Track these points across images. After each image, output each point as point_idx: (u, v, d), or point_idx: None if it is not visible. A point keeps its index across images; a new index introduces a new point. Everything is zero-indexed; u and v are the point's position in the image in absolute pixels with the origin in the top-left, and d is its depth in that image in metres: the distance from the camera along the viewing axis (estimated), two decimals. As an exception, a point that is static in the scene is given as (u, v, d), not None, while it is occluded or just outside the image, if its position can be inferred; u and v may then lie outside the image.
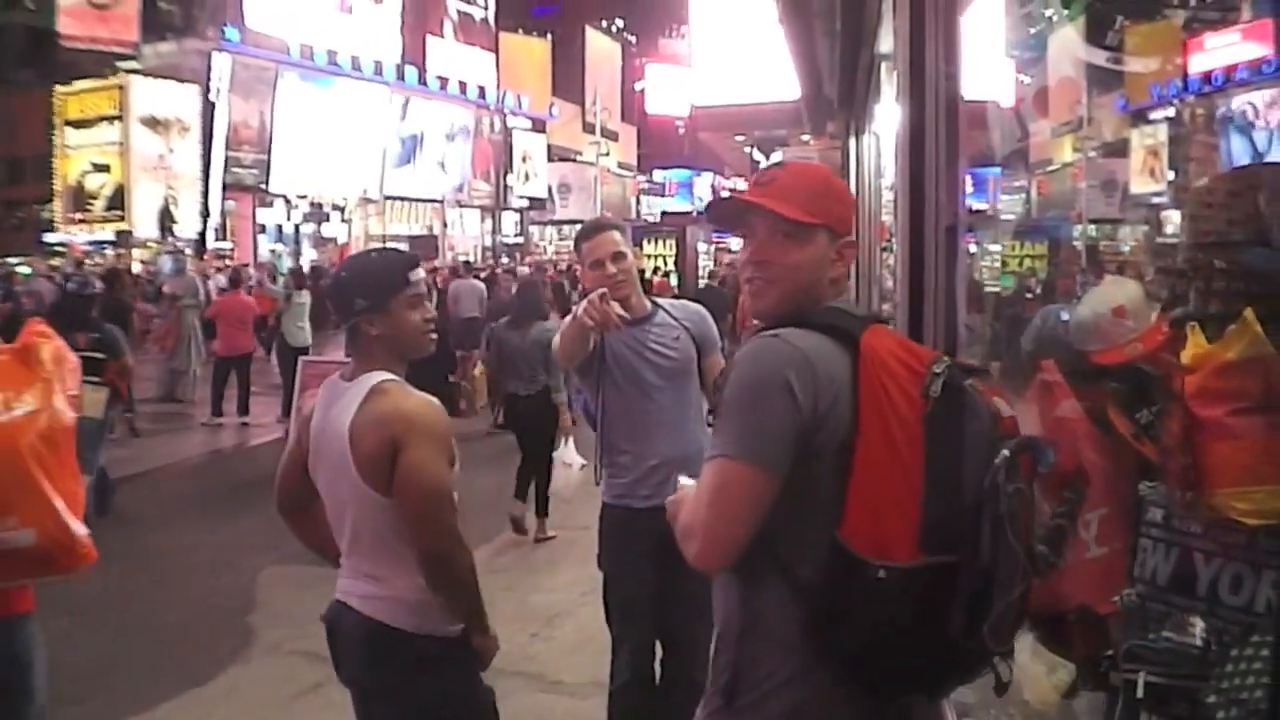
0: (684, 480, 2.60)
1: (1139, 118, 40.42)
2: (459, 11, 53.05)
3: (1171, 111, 39.18)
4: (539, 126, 57.54)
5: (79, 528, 3.42)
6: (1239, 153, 32.43)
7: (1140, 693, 2.34)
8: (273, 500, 3.64)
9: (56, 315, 9.08)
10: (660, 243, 26.75)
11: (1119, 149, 39.63)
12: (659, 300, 4.79)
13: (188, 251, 34.58)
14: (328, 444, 3.36)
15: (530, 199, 55.85)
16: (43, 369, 3.48)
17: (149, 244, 36.42)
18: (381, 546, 3.34)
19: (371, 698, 3.47)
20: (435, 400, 3.39)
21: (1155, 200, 37.62)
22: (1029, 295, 15.13)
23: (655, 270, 24.58)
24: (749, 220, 2.46)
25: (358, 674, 3.47)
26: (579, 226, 5.01)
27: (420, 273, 3.48)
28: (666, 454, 4.44)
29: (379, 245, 24.03)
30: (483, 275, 22.93)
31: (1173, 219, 36.54)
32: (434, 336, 3.50)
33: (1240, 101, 34.30)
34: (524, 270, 28.37)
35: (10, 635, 3.66)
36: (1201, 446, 2.32)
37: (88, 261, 32.29)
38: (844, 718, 2.32)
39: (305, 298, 16.48)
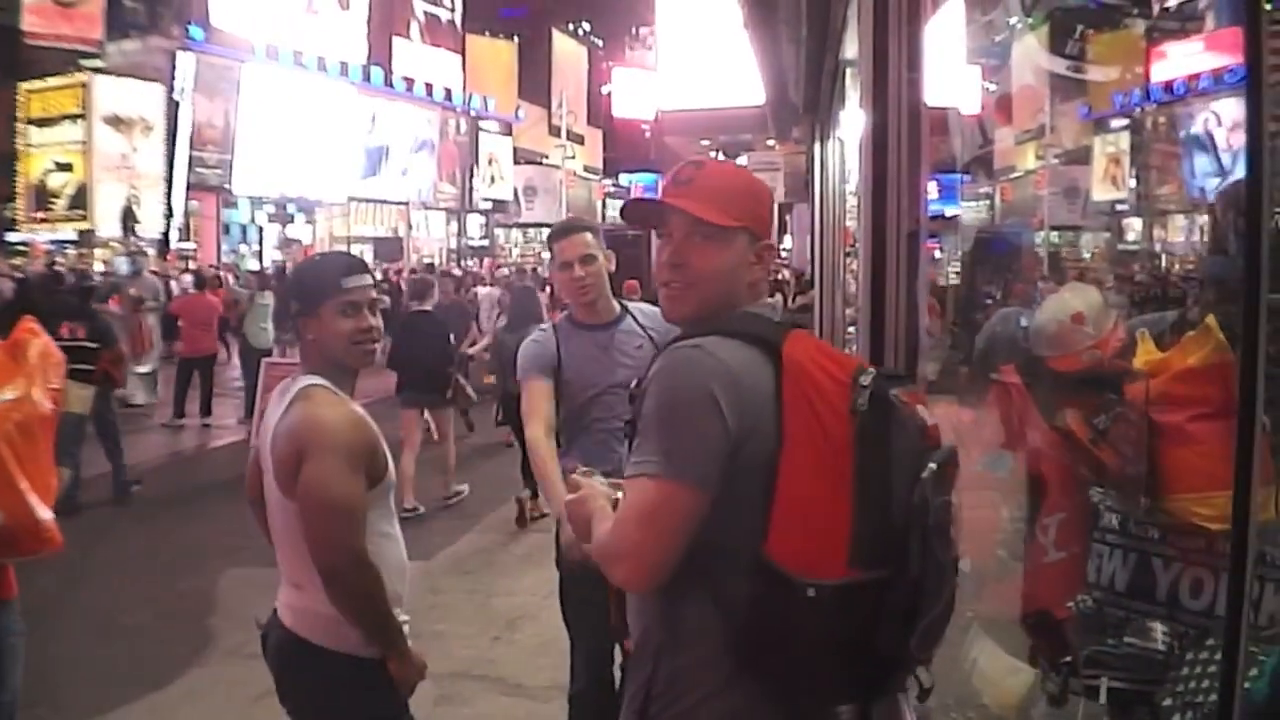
0: (596, 481, 2.53)
1: (1101, 126, 40.71)
2: (425, 13, 52.87)
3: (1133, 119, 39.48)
4: (505, 129, 57.44)
5: (45, 514, 3.56)
6: (1200, 161, 32.71)
7: (1103, 698, 2.35)
8: (234, 502, 3.61)
9: (51, 306, 10.22)
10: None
11: (1081, 157, 39.88)
12: (630, 305, 4.67)
13: (150, 252, 34.30)
14: (263, 445, 3.31)
15: (496, 201, 55.73)
16: (27, 364, 3.67)
17: (111, 244, 36.11)
18: (299, 555, 3.19)
19: (289, 712, 3.37)
20: (358, 411, 3.25)
21: (1117, 208, 37.90)
22: (989, 300, 15.18)
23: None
24: (668, 221, 2.39)
25: (277, 686, 3.38)
26: (550, 228, 4.92)
27: (363, 279, 3.29)
28: (618, 467, 4.34)
29: (336, 250, 23.87)
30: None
31: (1134, 226, 36.84)
32: (369, 348, 3.31)
33: (1202, 110, 34.60)
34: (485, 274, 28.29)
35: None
36: (1161, 452, 2.34)
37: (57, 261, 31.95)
38: None
39: (268, 299, 16.39)
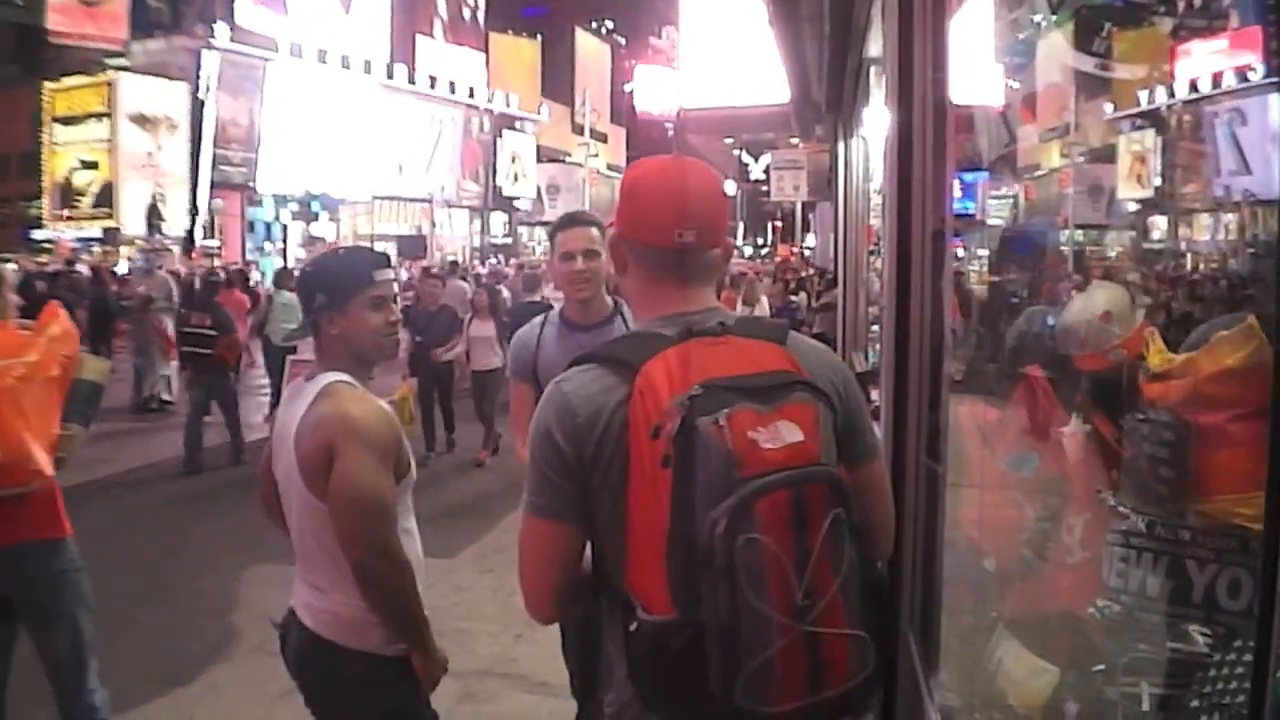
0: None
1: (1126, 124, 40.48)
2: (448, 12, 53.02)
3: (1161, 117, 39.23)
4: (528, 127, 57.49)
5: (40, 455, 4.11)
6: (1226, 159, 32.51)
7: (1146, 704, 2.32)
8: (258, 499, 3.60)
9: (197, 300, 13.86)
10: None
11: (1106, 155, 39.67)
12: (625, 309, 4.45)
13: (174, 249, 34.44)
14: (282, 445, 3.27)
15: (518, 199, 55.79)
16: (42, 335, 4.30)
17: (137, 241, 36.28)
18: (323, 555, 3.21)
19: (313, 712, 3.39)
20: (384, 406, 3.28)
21: (1142, 206, 37.69)
22: (1014, 300, 15.12)
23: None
24: None
25: (299, 686, 3.39)
26: (553, 223, 4.71)
27: (388, 274, 3.34)
28: None
29: (357, 245, 23.80)
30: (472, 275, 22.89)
31: (1159, 225, 36.67)
32: (395, 341, 3.39)
33: (1227, 108, 34.39)
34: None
35: (44, 558, 4.34)
36: (1198, 454, 2.31)
37: (82, 259, 32.09)
38: None
39: (288, 298, 16.38)
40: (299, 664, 3.34)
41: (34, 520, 4.27)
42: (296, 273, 3.68)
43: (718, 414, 1.97)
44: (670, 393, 2.04)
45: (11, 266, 21.29)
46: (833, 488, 2.03)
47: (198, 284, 16.86)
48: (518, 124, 55.72)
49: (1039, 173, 39.53)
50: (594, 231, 4.38)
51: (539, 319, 4.58)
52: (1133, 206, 35.88)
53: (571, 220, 4.50)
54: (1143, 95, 35.99)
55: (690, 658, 1.96)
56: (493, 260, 41.37)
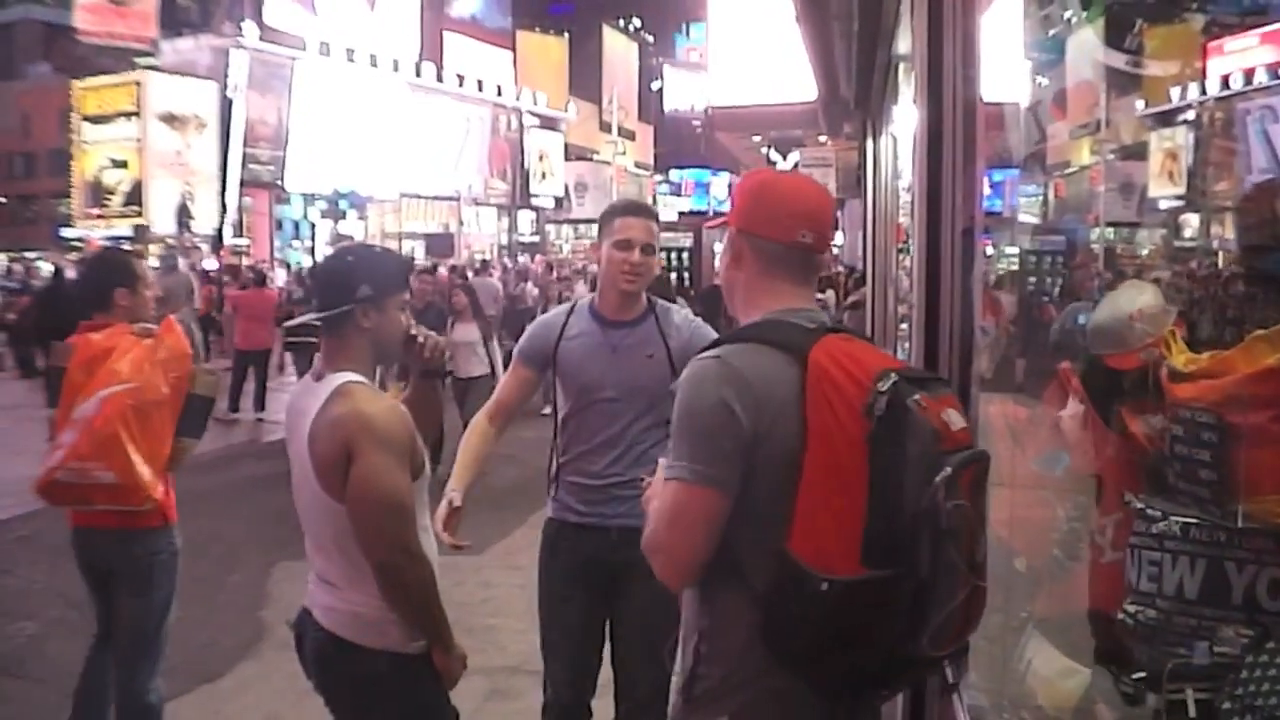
0: (662, 461, 2.59)
1: (1158, 121, 40.25)
2: (476, 10, 53.23)
3: (1190, 115, 39.02)
4: (555, 125, 57.56)
5: (148, 476, 4.43)
6: (1259, 157, 32.28)
7: (1193, 711, 2.30)
8: (286, 495, 3.58)
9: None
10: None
11: (1137, 152, 39.44)
12: (660, 306, 4.25)
13: (202, 246, 34.65)
14: (294, 444, 3.25)
15: (543, 197, 55.88)
16: (155, 357, 4.52)
17: (166, 239, 36.50)
18: (339, 554, 3.20)
19: (333, 712, 3.39)
20: (400, 406, 3.26)
21: (1173, 204, 37.47)
22: (1045, 298, 15.05)
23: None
24: None
25: (317, 686, 3.39)
26: (610, 205, 4.41)
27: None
28: (610, 475, 4.05)
29: (385, 246, 23.95)
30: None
31: (1191, 223, 36.43)
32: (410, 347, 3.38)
33: (1260, 105, 34.13)
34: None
35: (146, 541, 4.73)
36: (1238, 454, 2.29)
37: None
38: (802, 712, 2.38)
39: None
40: (318, 665, 3.33)
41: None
42: (320, 265, 3.70)
43: (915, 396, 2.19)
44: (847, 378, 2.24)
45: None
46: (988, 466, 2.28)
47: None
48: (545, 121, 55.80)
49: (1069, 170, 39.33)
50: (654, 227, 4.16)
51: (564, 308, 4.34)
52: (1165, 204, 35.66)
53: (635, 208, 4.25)
54: (1174, 92, 35.63)
55: (875, 611, 2.17)
56: (523, 258, 41.43)
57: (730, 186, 57.48)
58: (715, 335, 4.00)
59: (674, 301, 5.22)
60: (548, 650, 4.24)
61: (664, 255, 26.14)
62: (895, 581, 2.16)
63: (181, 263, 20.06)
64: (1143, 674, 2.43)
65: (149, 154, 37.64)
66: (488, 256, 41.60)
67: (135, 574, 4.77)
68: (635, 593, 3.93)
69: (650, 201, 61.50)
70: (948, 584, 2.16)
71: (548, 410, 4.81)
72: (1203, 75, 39.00)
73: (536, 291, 23.67)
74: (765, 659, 2.32)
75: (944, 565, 2.15)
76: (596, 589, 4.06)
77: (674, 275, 22.94)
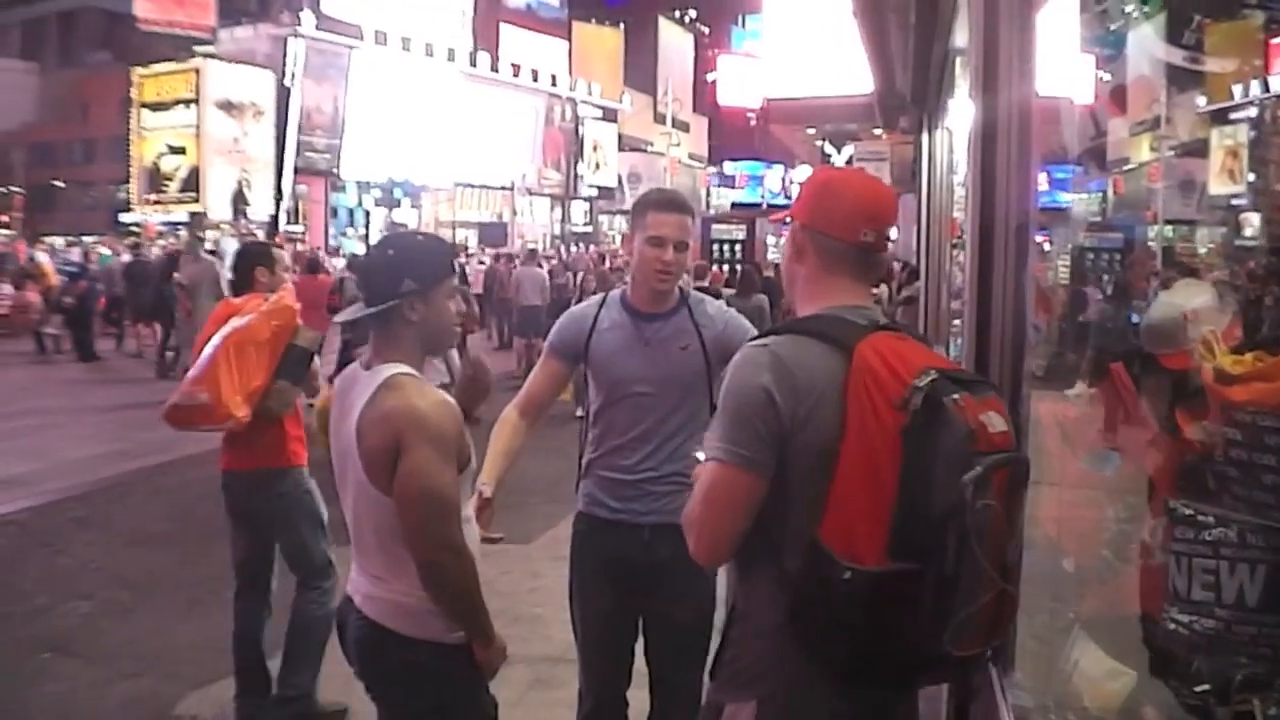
0: (699, 454, 2.64)
1: (1218, 117, 39.78)
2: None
3: (1252, 112, 38.53)
4: (610, 116, 57.61)
5: (238, 403, 5.18)
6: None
7: (1260, 720, 2.26)
8: (329, 483, 3.60)
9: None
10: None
11: (1197, 149, 39.01)
12: (692, 296, 4.13)
13: (258, 233, 34.93)
14: (342, 434, 3.24)
15: (600, 188, 55.95)
16: (261, 306, 5.35)
17: (222, 225, 36.90)
18: (383, 545, 3.20)
19: (374, 699, 3.40)
20: (449, 399, 3.23)
21: (1234, 202, 37.05)
22: (1099, 297, 14.94)
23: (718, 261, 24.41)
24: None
25: (359, 674, 3.40)
26: (642, 196, 4.23)
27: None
28: (643, 470, 3.97)
29: (430, 233, 24.06)
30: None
31: (1252, 221, 35.97)
32: (459, 332, 3.38)
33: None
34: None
35: (275, 481, 5.52)
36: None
37: (161, 241, 32.64)
38: (825, 705, 2.42)
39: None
40: (360, 653, 3.34)
41: (266, 452, 5.47)
42: (363, 255, 3.76)
43: (954, 395, 2.22)
44: (890, 374, 2.28)
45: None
46: (1027, 471, 2.32)
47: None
48: (599, 112, 55.91)
49: (1128, 166, 38.94)
50: (689, 221, 4.00)
51: (595, 299, 4.21)
52: (1226, 202, 35.21)
53: (668, 203, 4.03)
54: (1236, 88, 35.18)
55: (897, 604, 2.19)
56: (575, 249, 41.51)
57: (784, 180, 57.37)
58: (750, 326, 4.04)
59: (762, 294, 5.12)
60: (581, 647, 4.20)
61: (716, 246, 26.23)
62: (918, 576, 2.18)
63: (204, 251, 19.62)
64: (1206, 686, 2.38)
65: (206, 141, 38.07)
66: (536, 246, 41.74)
67: (272, 514, 5.57)
68: (668, 592, 3.92)
69: (704, 194, 61.83)
70: (971, 584, 2.17)
71: (581, 413, 4.72)
72: (1266, 71, 38.51)
73: (593, 282, 23.65)
74: (790, 645, 2.37)
75: (969, 564, 2.16)
76: (628, 586, 4.00)
77: (725, 266, 22.87)
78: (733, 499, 2.41)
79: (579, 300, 4.61)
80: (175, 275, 17.34)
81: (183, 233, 34.83)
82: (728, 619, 2.61)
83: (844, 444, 2.29)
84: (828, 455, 2.30)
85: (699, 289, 18.01)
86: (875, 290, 2.68)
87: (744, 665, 2.52)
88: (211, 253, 20.99)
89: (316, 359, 5.79)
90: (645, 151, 57.71)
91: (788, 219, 2.71)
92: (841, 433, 2.30)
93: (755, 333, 3.96)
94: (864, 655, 2.29)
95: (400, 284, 3.19)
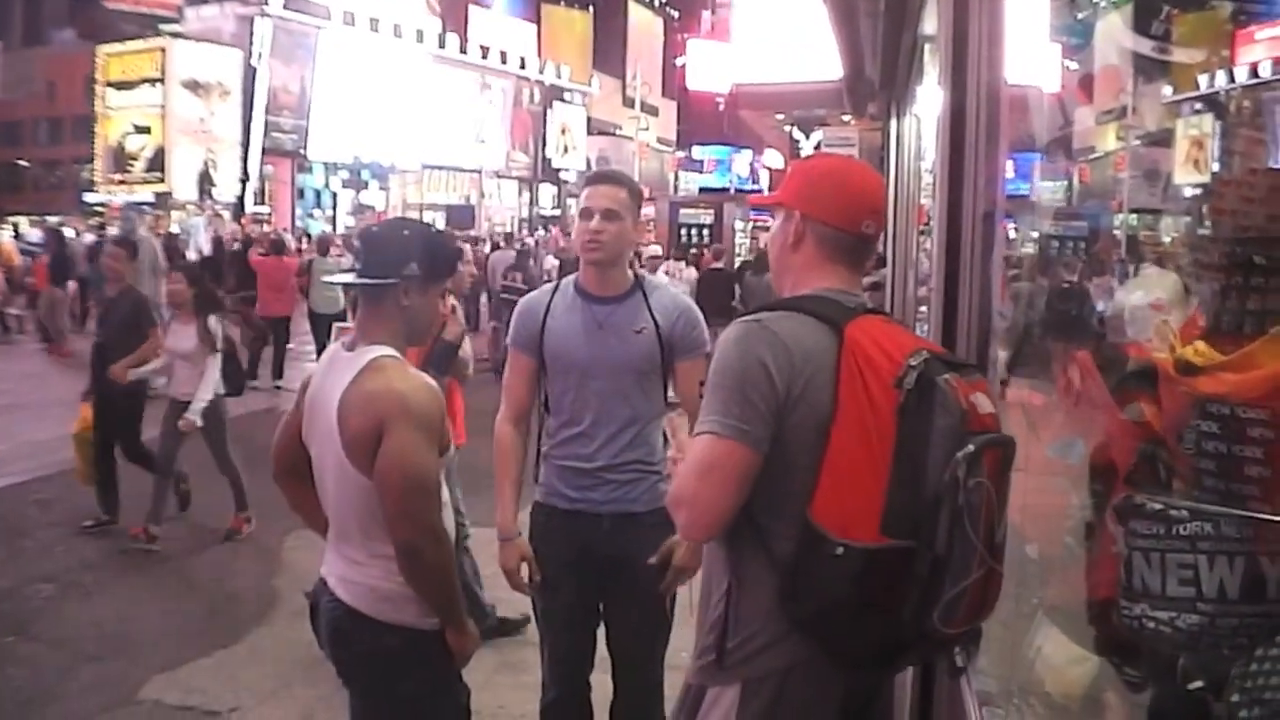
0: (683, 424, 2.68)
1: (1184, 108, 40.03)
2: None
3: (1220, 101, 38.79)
4: (578, 99, 57.49)
5: None
6: (1286, 146, 32.10)
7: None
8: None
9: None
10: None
11: (1163, 139, 39.23)
12: (646, 282, 4.07)
13: (224, 213, 34.67)
14: (320, 414, 3.23)
15: (567, 170, 55.85)
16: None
17: (188, 206, 36.66)
18: (360, 528, 3.20)
19: (345, 683, 3.40)
20: (432, 383, 3.24)
21: (1198, 192, 37.25)
22: (1065, 284, 14.98)
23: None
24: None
25: (331, 657, 3.39)
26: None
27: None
28: (599, 458, 3.93)
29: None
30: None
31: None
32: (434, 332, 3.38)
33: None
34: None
35: None
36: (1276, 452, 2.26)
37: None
38: (811, 688, 2.46)
39: (329, 264, 16.25)
40: (332, 636, 3.33)
41: None
42: (374, 230, 3.65)
43: (946, 375, 2.26)
44: (881, 353, 2.33)
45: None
46: (1013, 453, 2.33)
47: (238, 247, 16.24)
48: (568, 95, 55.79)
49: (1094, 155, 39.09)
50: (621, 193, 3.93)
51: (548, 287, 4.18)
52: (1190, 192, 35.43)
53: (599, 177, 4.10)
54: (1203, 80, 35.42)
55: (890, 581, 2.23)
56: (541, 231, 41.44)
57: (752, 165, 57.35)
58: (700, 319, 4.05)
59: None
60: (544, 638, 4.20)
61: (684, 231, 26.24)
62: (910, 553, 2.22)
63: (142, 230, 18.80)
64: (1200, 683, 2.38)
65: (172, 120, 37.78)
66: (509, 229, 41.61)
67: None
68: (629, 580, 3.92)
69: (672, 178, 61.75)
70: (962, 560, 2.20)
71: None
72: (1232, 63, 38.77)
73: (555, 261, 23.60)
74: (786, 626, 2.40)
75: (960, 541, 2.19)
76: (589, 577, 3.98)
77: (693, 251, 22.96)
78: (728, 473, 2.38)
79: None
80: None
81: (148, 213, 34.61)
82: (708, 603, 2.60)
83: (835, 423, 2.32)
84: (820, 434, 2.33)
85: (714, 270, 18.14)
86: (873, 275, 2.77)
87: (729, 649, 2.51)
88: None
89: (465, 349, 6.13)
90: (614, 135, 57.62)
91: (777, 206, 2.72)
92: (833, 411, 2.33)
93: (704, 327, 4.05)
94: (854, 632, 2.31)
95: (406, 265, 3.20)
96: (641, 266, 15.79)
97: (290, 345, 17.00)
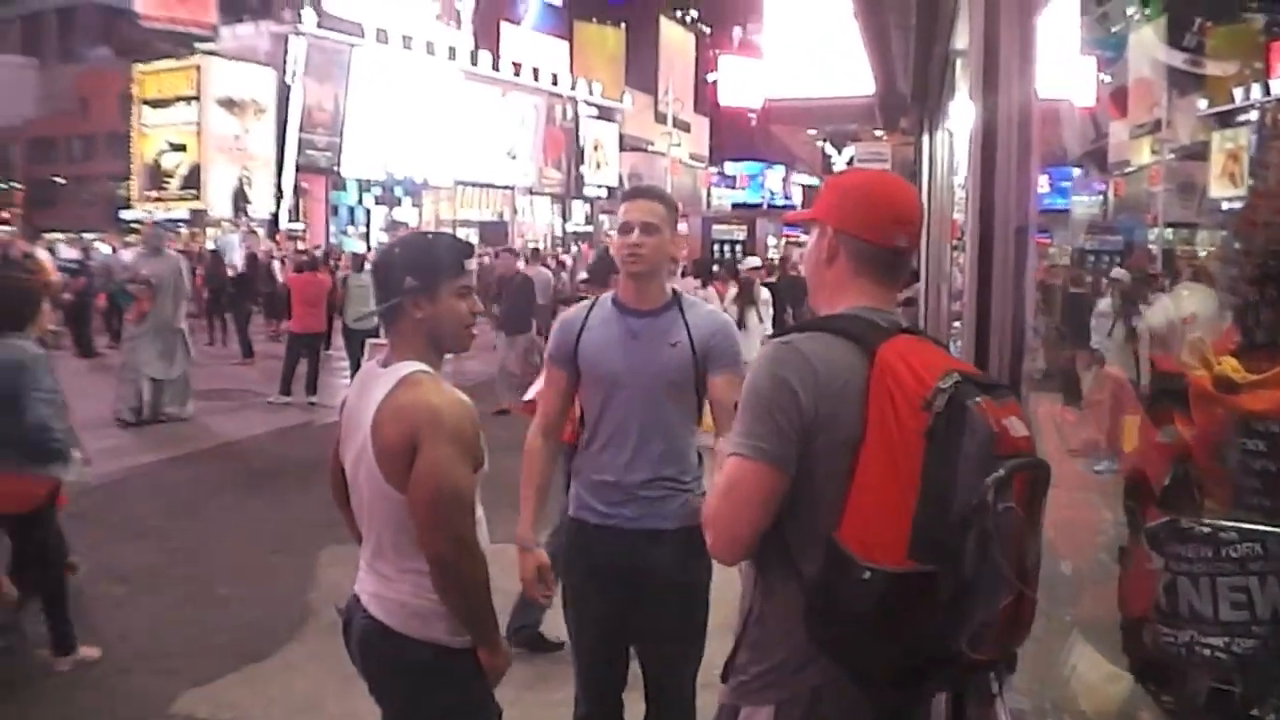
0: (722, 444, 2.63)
1: (1220, 121, 39.78)
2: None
3: (1253, 115, 38.53)
4: (611, 115, 57.60)
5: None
6: (1322, 159, 31.87)
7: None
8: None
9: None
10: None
11: (1198, 152, 39.00)
12: (684, 299, 4.08)
13: (259, 230, 34.89)
14: (354, 431, 3.22)
15: (597, 187, 55.97)
16: None
17: (223, 223, 36.94)
18: (393, 543, 3.19)
19: (376, 699, 3.39)
20: (466, 398, 3.21)
21: (1235, 205, 37.00)
22: (1075, 293, 14.96)
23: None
24: None
25: (362, 672, 3.39)
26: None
27: (474, 263, 3.32)
28: (631, 473, 3.93)
29: (442, 230, 24.06)
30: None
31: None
32: (474, 333, 3.34)
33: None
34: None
35: None
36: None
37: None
38: (843, 710, 2.43)
39: (365, 280, 16.33)
40: (363, 651, 3.33)
41: None
42: (375, 253, 3.61)
43: (976, 398, 2.22)
44: (912, 375, 2.29)
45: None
46: (1048, 476, 2.28)
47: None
48: (582, 105, 55.92)
49: (1129, 169, 38.90)
50: (658, 207, 3.99)
51: (586, 302, 4.22)
52: (1225, 205, 35.19)
53: (636, 191, 4.15)
54: (1237, 92, 35.19)
55: (914, 603, 2.20)
56: (575, 247, 41.54)
57: (785, 181, 57.33)
58: (737, 337, 4.08)
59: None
60: (576, 653, 4.20)
61: (717, 246, 26.27)
62: (938, 578, 2.18)
63: (169, 247, 16.87)
64: (1256, 711, 2.33)
65: (207, 138, 38.11)
66: (540, 245, 41.71)
67: None
68: (660, 597, 3.91)
69: (704, 194, 61.78)
70: (990, 586, 2.16)
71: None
72: (1267, 75, 38.51)
73: (584, 272, 23.68)
74: (809, 648, 2.36)
75: (988, 566, 2.15)
76: (620, 593, 3.97)
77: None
78: (753, 494, 2.39)
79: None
80: (143, 273, 14.55)
81: (184, 230, 34.88)
82: (743, 622, 2.59)
83: (864, 444, 2.30)
84: (848, 455, 2.31)
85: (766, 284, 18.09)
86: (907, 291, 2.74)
87: (761, 670, 2.51)
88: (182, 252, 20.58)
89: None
90: (646, 151, 57.68)
91: (811, 222, 2.71)
92: (862, 433, 2.31)
93: (738, 342, 4.06)
94: (880, 656, 2.29)
95: (403, 281, 3.19)
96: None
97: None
